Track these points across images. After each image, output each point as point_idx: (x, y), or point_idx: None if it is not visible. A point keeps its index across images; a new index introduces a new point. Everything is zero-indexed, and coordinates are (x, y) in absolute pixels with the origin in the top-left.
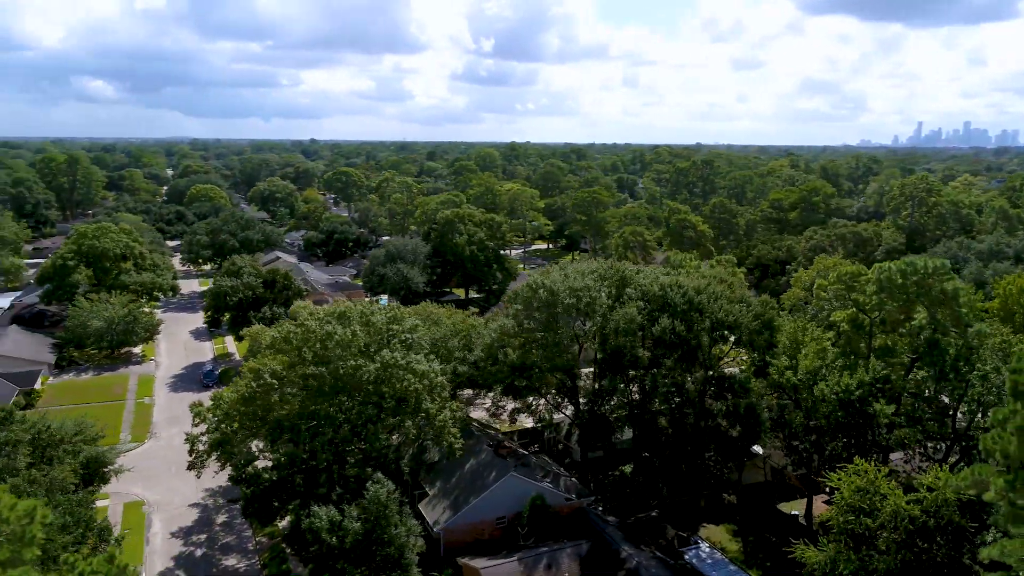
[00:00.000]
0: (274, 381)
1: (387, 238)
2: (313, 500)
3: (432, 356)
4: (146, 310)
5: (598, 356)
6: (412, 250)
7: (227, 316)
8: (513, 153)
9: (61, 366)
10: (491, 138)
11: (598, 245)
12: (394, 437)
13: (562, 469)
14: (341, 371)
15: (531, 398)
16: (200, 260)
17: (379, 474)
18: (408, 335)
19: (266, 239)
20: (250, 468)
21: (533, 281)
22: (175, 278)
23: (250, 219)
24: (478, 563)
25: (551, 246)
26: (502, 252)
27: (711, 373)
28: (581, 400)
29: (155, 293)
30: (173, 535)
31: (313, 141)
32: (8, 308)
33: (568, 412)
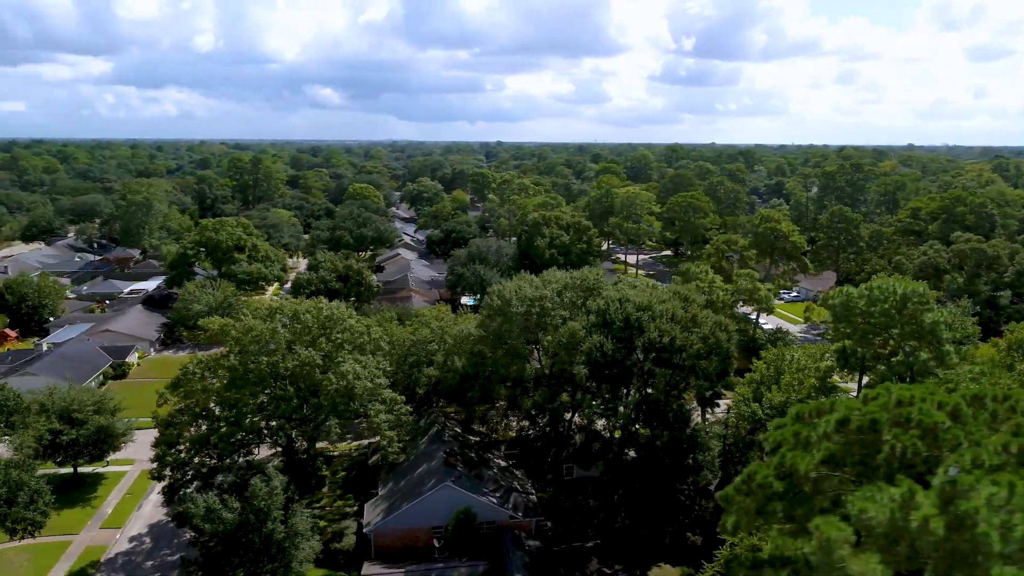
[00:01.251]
0: (197, 371)
1: (475, 239)
2: (209, 487)
3: (382, 357)
4: (243, 298)
5: (545, 371)
6: (496, 252)
7: None
8: (674, 155)
9: (166, 343)
10: (689, 139)
11: (696, 253)
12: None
13: (527, 485)
14: (251, 364)
15: (485, 408)
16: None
17: (270, 467)
18: (359, 337)
19: (379, 236)
20: (173, 452)
21: (494, 289)
22: (283, 270)
23: (367, 217)
24: (369, 569)
25: (673, 253)
26: (590, 256)
27: (647, 396)
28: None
29: (260, 282)
30: (163, 505)
31: (499, 143)
32: (153, 290)
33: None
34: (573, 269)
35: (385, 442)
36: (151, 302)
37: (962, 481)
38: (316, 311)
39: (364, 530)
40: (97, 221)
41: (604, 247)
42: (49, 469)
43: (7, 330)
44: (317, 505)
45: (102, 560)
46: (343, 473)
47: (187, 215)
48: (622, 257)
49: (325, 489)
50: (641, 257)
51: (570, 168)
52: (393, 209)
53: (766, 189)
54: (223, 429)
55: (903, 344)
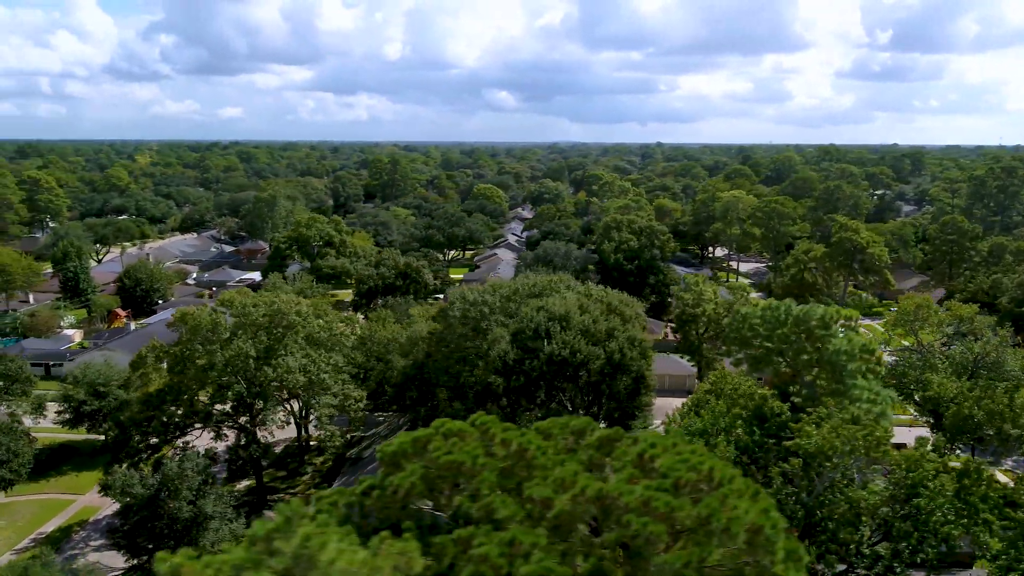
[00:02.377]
0: (149, 356)
1: (545, 241)
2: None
3: (336, 352)
4: (320, 290)
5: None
6: (564, 254)
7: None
8: (826, 156)
9: None
10: (881, 139)
11: (779, 263)
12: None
13: None
14: (188, 351)
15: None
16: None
17: (195, 448)
18: (319, 332)
19: (470, 236)
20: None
21: (453, 292)
22: (369, 265)
23: (460, 217)
24: None
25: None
26: (660, 262)
27: (549, 410)
28: None
29: (343, 277)
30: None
31: (659, 144)
32: (255, 281)
33: None
34: (640, 274)
35: (327, 435)
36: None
37: None
38: (266, 306)
39: None
40: (237, 215)
41: (715, 253)
42: (80, 435)
43: (118, 310)
44: (292, 492)
45: (90, 520)
46: (330, 463)
47: (317, 211)
48: (735, 264)
49: (307, 477)
50: (756, 265)
51: (708, 170)
52: (518, 210)
53: (917, 195)
54: (165, 410)
55: (803, 372)
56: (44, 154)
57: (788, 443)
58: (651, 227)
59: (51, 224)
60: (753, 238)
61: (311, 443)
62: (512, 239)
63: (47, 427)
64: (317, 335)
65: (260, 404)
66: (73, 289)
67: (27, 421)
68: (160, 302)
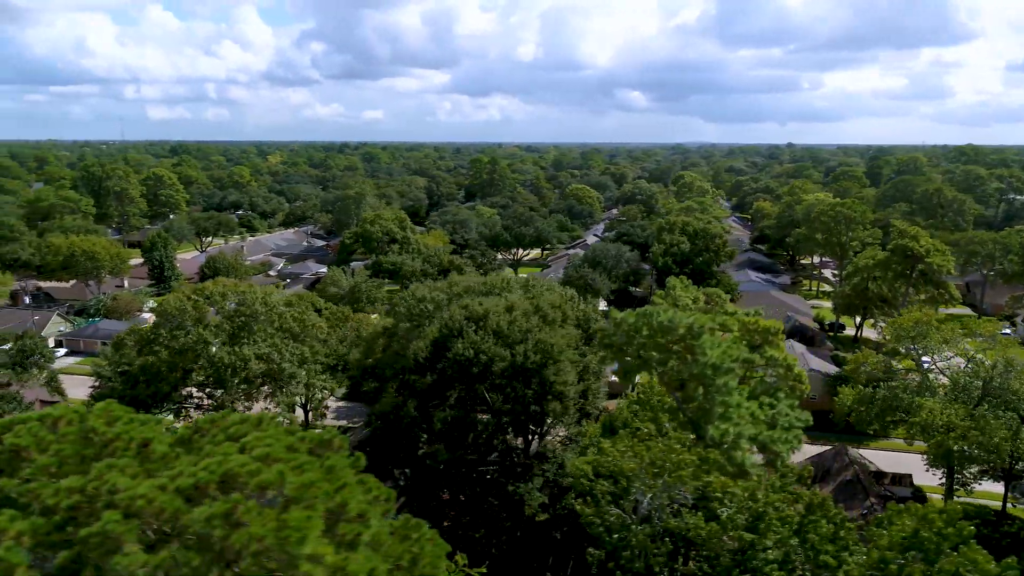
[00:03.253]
0: (128, 339)
1: (594, 241)
2: None
3: (308, 343)
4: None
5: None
6: (615, 256)
7: None
8: (962, 157)
9: None
10: None
11: (844, 272)
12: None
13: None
14: (151, 336)
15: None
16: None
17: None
18: (294, 324)
19: (538, 236)
20: None
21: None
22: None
23: (529, 217)
24: None
25: None
26: (713, 267)
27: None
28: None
29: (401, 272)
30: None
31: (790, 145)
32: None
33: None
34: (696, 278)
35: (287, 422)
36: (313, 284)
37: None
38: (234, 295)
39: None
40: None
41: (811, 260)
42: None
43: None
44: None
45: None
46: None
47: (411, 210)
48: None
49: None
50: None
51: (823, 173)
52: (614, 211)
53: None
54: (139, 390)
55: (671, 386)
56: (192, 154)
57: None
58: (706, 230)
59: (171, 216)
60: (816, 243)
61: None
62: (592, 239)
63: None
64: (290, 326)
65: (219, 391)
66: (159, 276)
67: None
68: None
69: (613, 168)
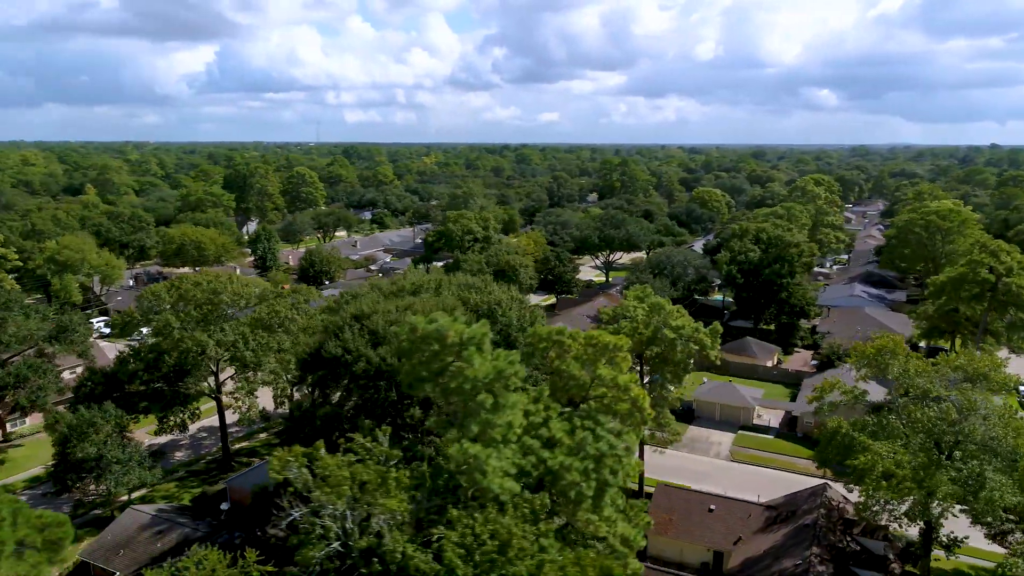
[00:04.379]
0: (136, 316)
1: (666, 248)
2: None
3: (279, 334)
4: None
5: None
6: (681, 263)
7: None
8: None
9: None
10: None
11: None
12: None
13: None
14: (128, 320)
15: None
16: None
17: (108, 404)
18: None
19: (628, 239)
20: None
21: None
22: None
23: (621, 220)
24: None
25: None
26: (784, 278)
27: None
28: None
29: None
30: None
31: (993, 146)
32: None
33: None
34: (759, 290)
35: (245, 407)
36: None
37: None
38: (206, 284)
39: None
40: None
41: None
42: None
43: (284, 285)
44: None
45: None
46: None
47: (531, 210)
48: None
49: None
50: None
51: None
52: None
53: None
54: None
55: (437, 400)
56: (360, 154)
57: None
58: (780, 238)
59: (308, 210)
60: (901, 257)
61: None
62: (698, 245)
63: None
64: (264, 317)
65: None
66: (262, 265)
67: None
68: (327, 282)
69: (760, 171)
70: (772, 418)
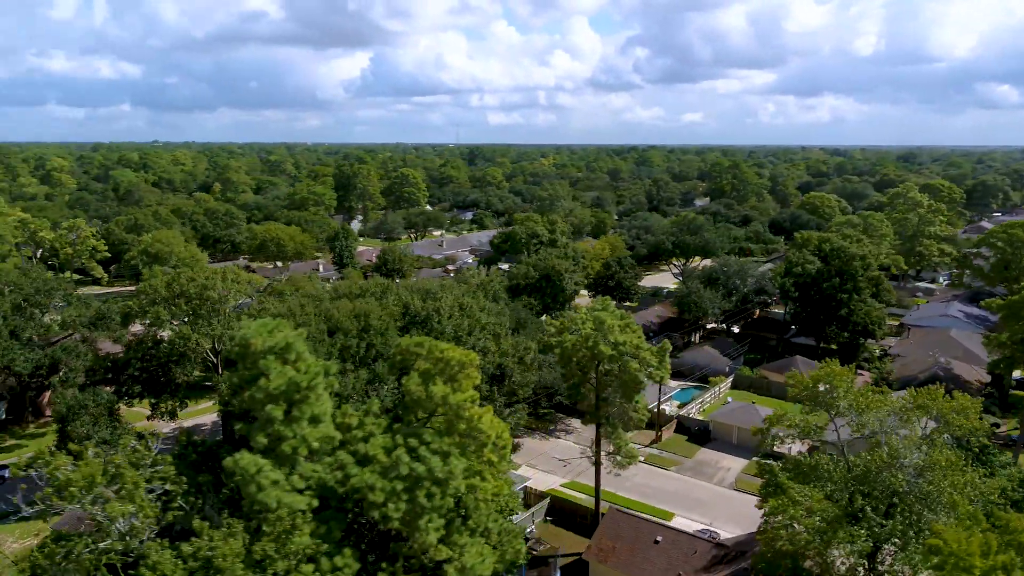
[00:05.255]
0: (135, 308)
1: (728, 255)
2: None
3: None
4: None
5: None
6: (739, 273)
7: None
8: None
9: None
10: None
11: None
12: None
13: None
14: (128, 310)
15: None
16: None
17: (101, 388)
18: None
19: (704, 246)
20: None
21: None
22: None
23: (700, 225)
24: None
25: None
26: (852, 294)
27: None
28: None
29: None
30: None
31: None
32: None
33: None
34: (819, 305)
35: None
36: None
37: None
38: (197, 281)
39: None
40: None
41: None
42: None
43: (358, 282)
44: None
45: None
46: None
47: (630, 213)
48: None
49: None
50: None
51: None
52: None
53: None
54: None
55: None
56: (485, 155)
57: None
58: (842, 249)
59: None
60: (980, 274)
61: None
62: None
63: None
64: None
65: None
66: (340, 262)
67: None
68: (397, 280)
69: (895, 175)
70: (795, 445)
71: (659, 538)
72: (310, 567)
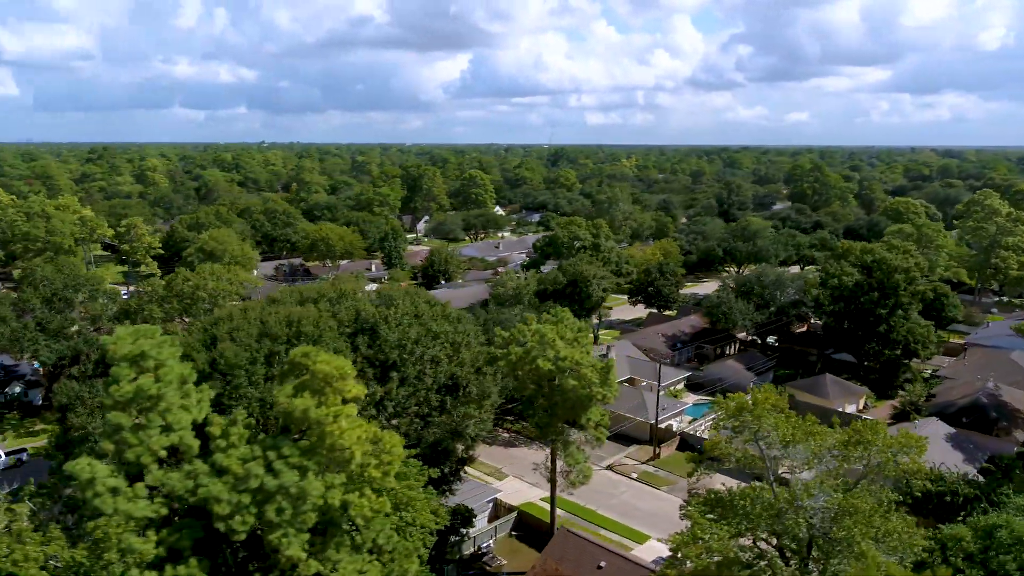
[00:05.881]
0: (132, 306)
1: (767, 265)
2: None
3: None
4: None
5: None
6: (774, 283)
7: None
8: None
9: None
10: None
11: None
12: None
13: None
14: (131, 306)
15: None
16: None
17: (96, 380)
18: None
19: (756, 253)
20: None
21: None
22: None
23: (755, 231)
24: None
25: None
26: (895, 312)
27: None
28: None
29: None
30: None
31: None
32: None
33: None
34: (856, 321)
35: None
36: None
37: None
38: (192, 281)
39: None
40: None
41: None
42: None
43: (402, 284)
44: None
45: None
46: None
47: (656, 215)
48: None
49: None
50: None
51: None
52: None
53: None
54: None
55: None
56: (568, 157)
57: None
58: (884, 261)
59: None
60: None
61: None
62: None
63: None
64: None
65: None
66: (388, 262)
67: None
68: (443, 281)
69: (1002, 180)
70: (807, 474)
71: (603, 563)
72: (153, 573)
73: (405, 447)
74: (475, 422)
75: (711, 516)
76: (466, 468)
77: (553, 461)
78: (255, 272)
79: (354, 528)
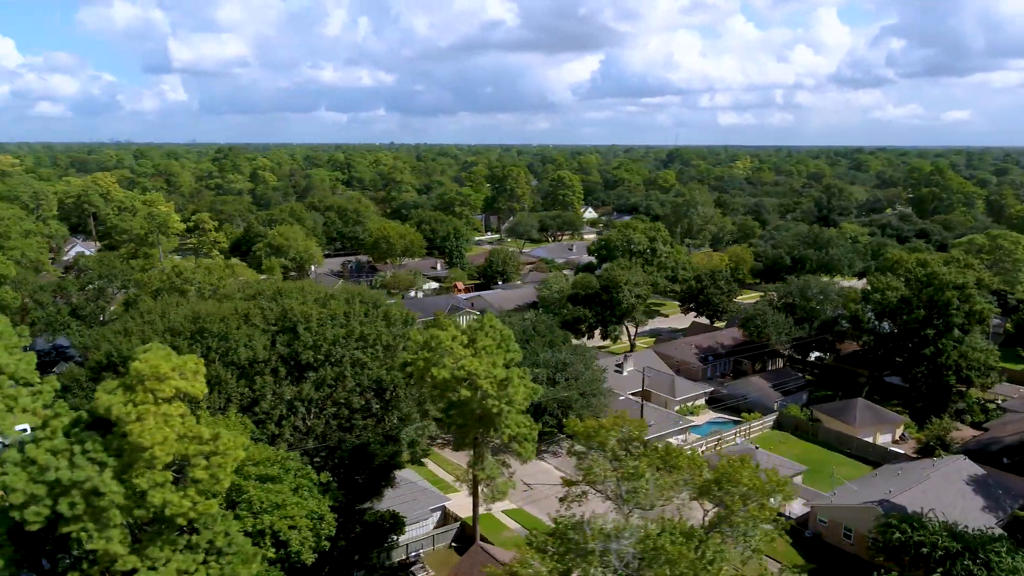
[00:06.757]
0: (131, 298)
1: (808, 274)
2: None
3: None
4: None
5: None
6: (819, 293)
7: None
8: None
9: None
10: None
11: None
12: None
13: None
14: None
15: None
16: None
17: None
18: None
19: (827, 263)
20: None
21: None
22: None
23: (828, 239)
24: None
25: None
26: (943, 331)
27: None
28: None
29: None
30: None
31: None
32: None
33: None
34: (901, 341)
35: None
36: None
37: None
38: (185, 275)
39: None
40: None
41: None
42: None
43: (458, 283)
44: None
45: None
46: None
47: (752, 221)
48: None
49: None
50: None
51: None
52: None
53: None
54: None
55: None
56: (687, 161)
57: None
58: (935, 276)
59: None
60: None
61: None
62: None
63: None
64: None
65: None
66: (450, 262)
67: None
68: (500, 281)
69: None
70: (799, 507)
71: None
72: None
73: (322, 451)
74: (415, 428)
75: (551, 548)
76: (416, 475)
77: (474, 474)
78: (312, 268)
79: (193, 529)
